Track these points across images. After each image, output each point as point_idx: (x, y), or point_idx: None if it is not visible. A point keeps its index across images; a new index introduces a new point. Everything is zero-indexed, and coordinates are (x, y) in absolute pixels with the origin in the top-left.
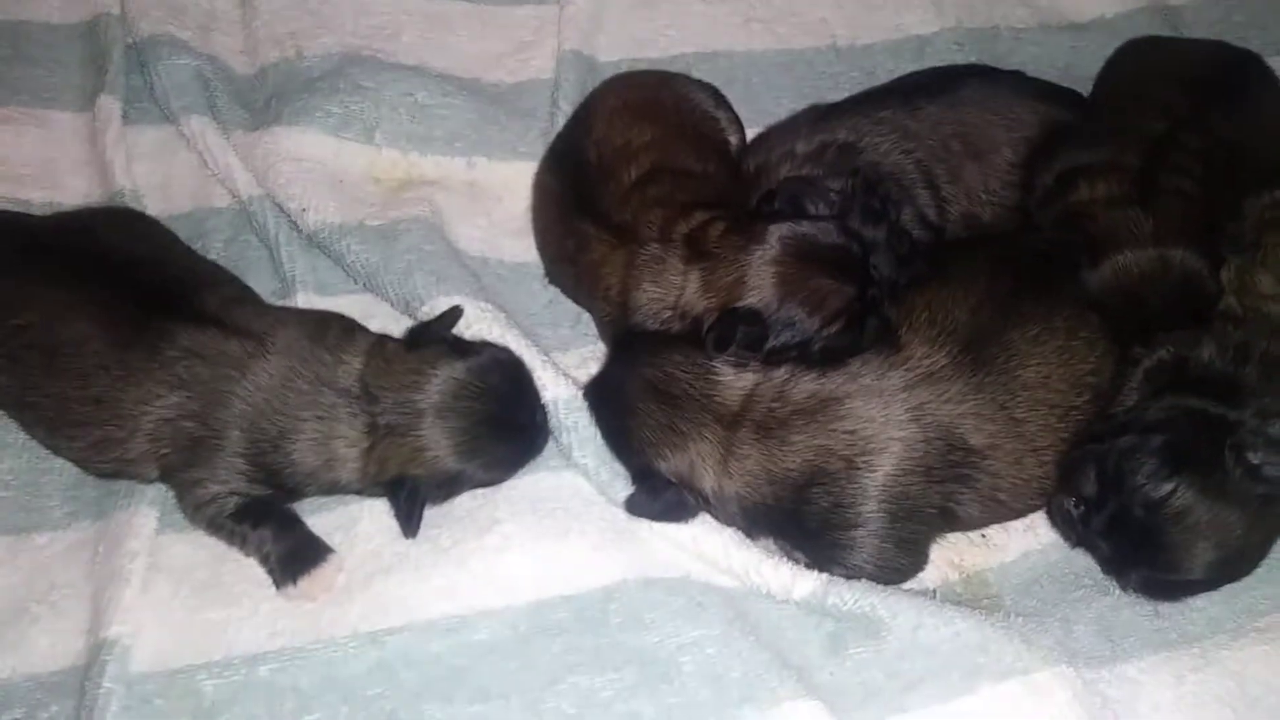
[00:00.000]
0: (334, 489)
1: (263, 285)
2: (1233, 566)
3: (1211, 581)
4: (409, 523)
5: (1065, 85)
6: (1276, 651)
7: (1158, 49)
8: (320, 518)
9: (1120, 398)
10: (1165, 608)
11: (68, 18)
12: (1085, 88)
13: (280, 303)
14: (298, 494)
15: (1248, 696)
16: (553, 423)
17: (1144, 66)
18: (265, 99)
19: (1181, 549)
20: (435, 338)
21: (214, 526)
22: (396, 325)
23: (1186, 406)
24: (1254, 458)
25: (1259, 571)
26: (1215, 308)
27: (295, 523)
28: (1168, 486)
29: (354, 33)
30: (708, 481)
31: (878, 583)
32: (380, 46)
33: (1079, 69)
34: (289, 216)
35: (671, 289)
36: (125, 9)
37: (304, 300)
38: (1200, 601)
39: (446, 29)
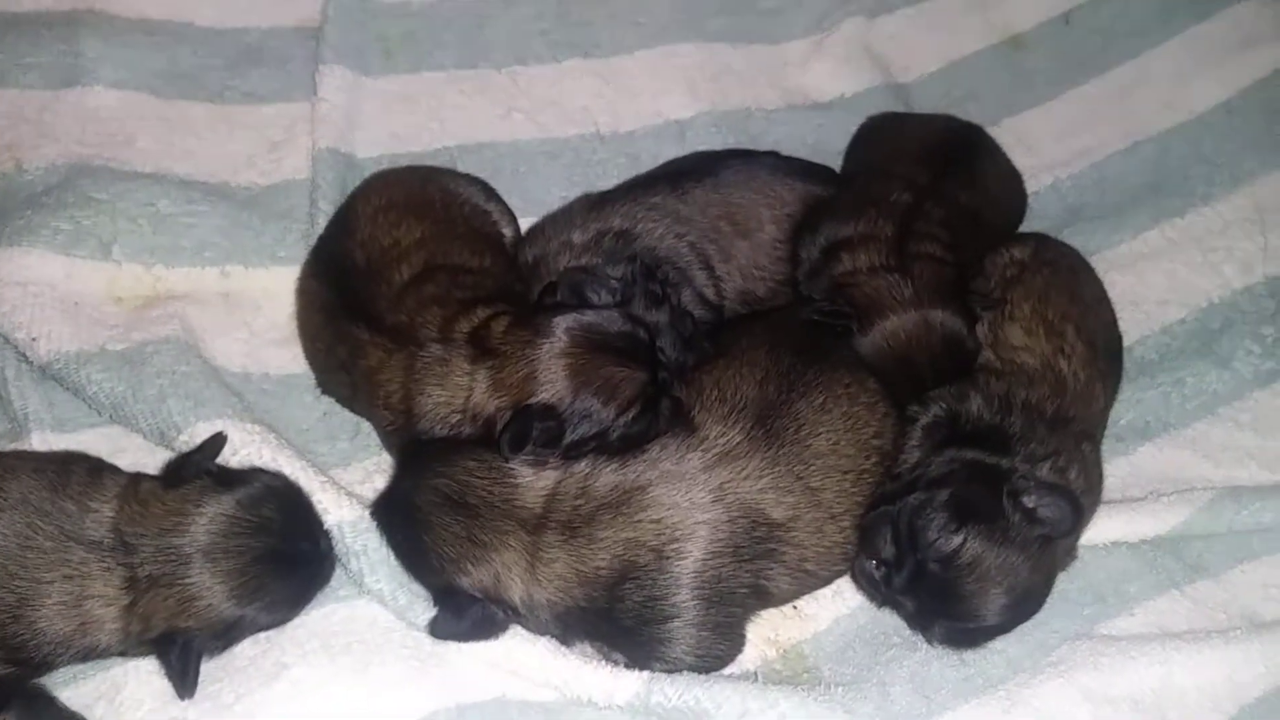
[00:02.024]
0: (91, 655)
1: None
2: (1023, 607)
3: (1006, 624)
4: (183, 681)
5: (817, 161)
6: (1070, 682)
7: (894, 124)
8: (77, 689)
9: (903, 456)
10: (969, 655)
11: None
12: (834, 162)
13: (11, 447)
14: (48, 666)
15: None
16: (339, 549)
17: (884, 142)
18: None
19: (976, 597)
20: (197, 471)
21: None
22: (152, 460)
23: (964, 459)
24: (1029, 501)
25: (1046, 607)
26: (976, 362)
27: (46, 700)
28: (957, 539)
29: (81, 141)
30: (516, 591)
31: (699, 672)
32: (112, 155)
33: (827, 145)
34: (16, 348)
35: (459, 391)
36: None
37: (40, 441)
38: (999, 644)
39: (188, 132)
